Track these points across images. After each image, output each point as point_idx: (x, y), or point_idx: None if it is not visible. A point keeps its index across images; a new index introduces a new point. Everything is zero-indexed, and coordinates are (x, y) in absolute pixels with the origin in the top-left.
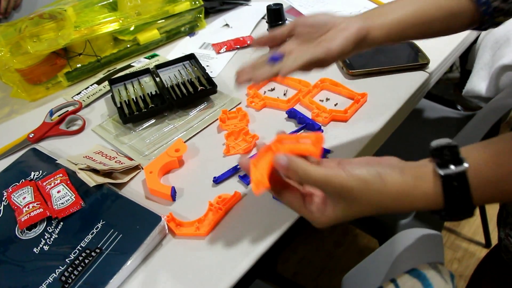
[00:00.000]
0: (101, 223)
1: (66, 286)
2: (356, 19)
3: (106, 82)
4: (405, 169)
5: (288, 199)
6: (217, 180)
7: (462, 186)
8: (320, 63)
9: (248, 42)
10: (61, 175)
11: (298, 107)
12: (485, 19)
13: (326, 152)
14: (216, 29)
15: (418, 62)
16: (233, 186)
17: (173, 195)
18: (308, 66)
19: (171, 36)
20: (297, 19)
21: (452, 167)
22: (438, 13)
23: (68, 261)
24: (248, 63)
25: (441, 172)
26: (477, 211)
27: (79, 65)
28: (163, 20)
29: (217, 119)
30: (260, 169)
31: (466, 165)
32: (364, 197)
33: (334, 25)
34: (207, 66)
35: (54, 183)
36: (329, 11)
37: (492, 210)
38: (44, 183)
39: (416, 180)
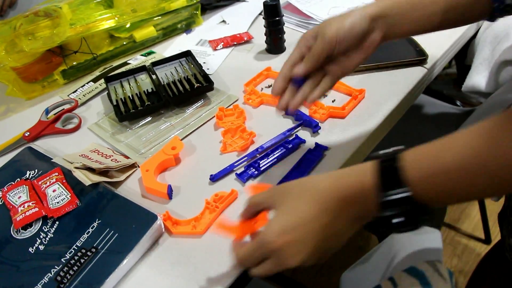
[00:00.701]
0: (96, 222)
1: (62, 286)
2: (381, 24)
3: (102, 80)
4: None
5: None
6: (214, 178)
7: (394, 163)
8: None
9: (245, 38)
10: (56, 174)
11: None
12: (495, 14)
13: (323, 149)
14: (213, 26)
15: (416, 57)
16: (230, 184)
17: (170, 193)
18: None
19: (168, 33)
20: (328, 37)
21: (387, 157)
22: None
23: (64, 261)
24: (279, 84)
25: (377, 160)
26: (477, 207)
27: (75, 63)
28: (159, 17)
29: (214, 116)
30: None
31: (400, 153)
32: (297, 188)
33: (362, 38)
34: (204, 63)
35: (50, 182)
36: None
37: (492, 206)
38: (40, 182)
39: (353, 168)
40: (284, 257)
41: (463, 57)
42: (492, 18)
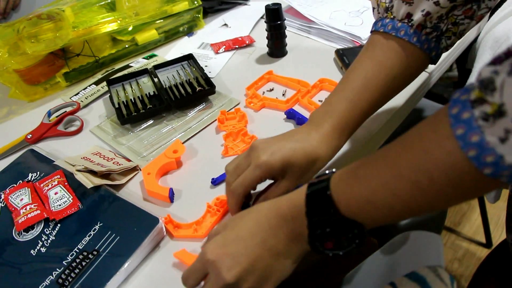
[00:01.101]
0: (98, 225)
1: None
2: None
3: (104, 83)
4: None
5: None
6: (216, 182)
7: (321, 184)
8: None
9: (247, 42)
10: (58, 176)
11: (297, 108)
12: (436, 60)
13: None
14: (215, 29)
15: None
16: None
17: (171, 196)
18: None
19: (170, 36)
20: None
21: (318, 177)
22: (385, 80)
23: (65, 264)
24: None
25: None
26: (477, 210)
27: (77, 66)
28: (162, 20)
29: (216, 120)
30: None
31: (328, 172)
32: (244, 212)
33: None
34: (206, 66)
35: (52, 184)
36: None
37: (493, 210)
38: (42, 185)
39: (292, 191)
40: (220, 270)
41: (464, 61)
42: (434, 62)
